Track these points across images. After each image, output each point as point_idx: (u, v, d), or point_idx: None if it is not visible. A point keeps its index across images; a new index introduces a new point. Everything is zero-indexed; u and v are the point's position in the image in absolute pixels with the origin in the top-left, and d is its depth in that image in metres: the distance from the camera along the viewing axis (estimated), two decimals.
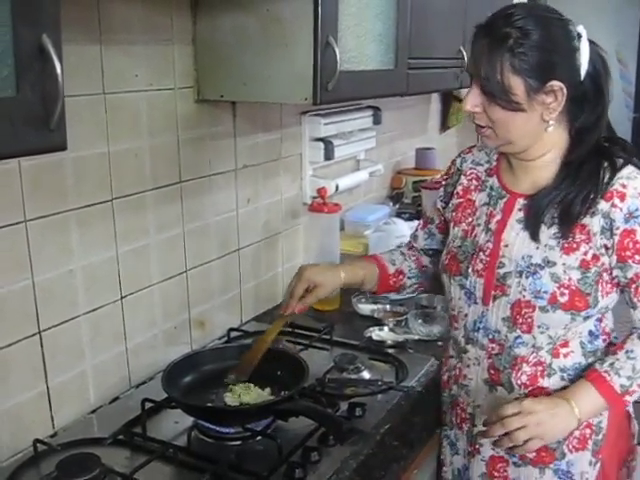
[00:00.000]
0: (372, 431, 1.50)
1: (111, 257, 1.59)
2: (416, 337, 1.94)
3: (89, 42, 1.46)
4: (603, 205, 1.30)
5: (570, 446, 1.40)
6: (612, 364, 1.33)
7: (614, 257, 1.31)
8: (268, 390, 1.56)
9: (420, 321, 2.00)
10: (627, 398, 1.33)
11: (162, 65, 1.66)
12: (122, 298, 1.64)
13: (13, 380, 1.39)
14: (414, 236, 1.73)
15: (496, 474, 1.47)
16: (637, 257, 1.30)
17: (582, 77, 1.30)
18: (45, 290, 1.43)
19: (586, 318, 1.35)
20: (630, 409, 1.47)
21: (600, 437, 1.41)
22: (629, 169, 1.32)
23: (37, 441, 1.39)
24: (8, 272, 1.36)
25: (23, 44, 0.83)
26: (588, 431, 1.40)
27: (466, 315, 1.46)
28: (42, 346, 1.44)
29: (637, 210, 1.28)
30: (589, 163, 1.34)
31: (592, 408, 1.34)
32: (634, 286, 1.33)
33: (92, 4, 1.44)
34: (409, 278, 1.68)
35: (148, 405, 1.52)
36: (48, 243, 1.43)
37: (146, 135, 1.64)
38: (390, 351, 1.87)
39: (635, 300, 1.34)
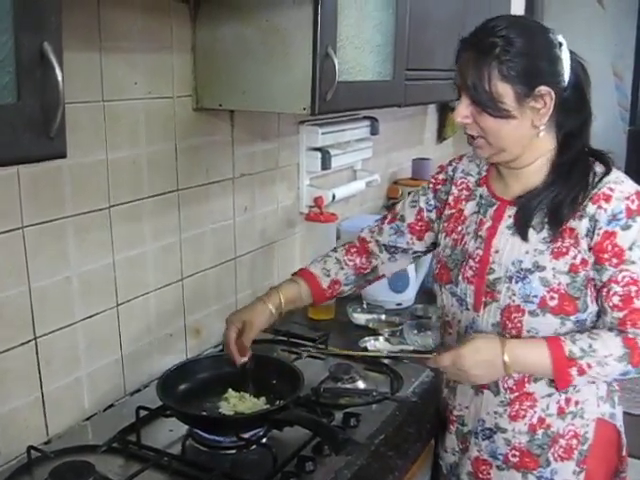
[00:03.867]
0: (367, 441, 1.50)
1: (108, 264, 1.59)
2: (411, 347, 1.95)
3: (89, 50, 1.46)
4: (590, 208, 1.31)
5: (556, 455, 1.41)
6: (572, 335, 1.33)
7: (592, 258, 1.32)
8: (263, 399, 1.56)
9: (415, 331, 2.00)
10: (572, 371, 1.31)
11: (161, 73, 1.67)
12: (118, 305, 1.64)
13: (7, 386, 1.39)
14: (378, 230, 1.67)
15: (480, 475, 1.49)
16: (614, 260, 1.30)
17: (565, 84, 1.33)
18: (41, 297, 1.43)
19: (577, 323, 1.35)
20: (620, 423, 1.48)
21: (586, 447, 1.41)
22: (616, 174, 1.35)
23: (31, 448, 1.39)
24: (4, 278, 1.36)
25: (24, 51, 0.83)
26: (575, 441, 1.41)
27: (459, 321, 1.47)
28: (37, 353, 1.44)
29: (621, 213, 1.29)
30: (579, 166, 1.36)
31: (532, 357, 1.34)
32: (606, 290, 1.32)
33: (92, 12, 1.45)
34: (346, 285, 1.67)
35: (143, 413, 1.52)
36: (45, 250, 1.43)
37: (144, 143, 1.64)
38: (385, 361, 1.87)
39: (606, 304, 1.33)
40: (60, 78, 0.86)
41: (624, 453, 1.49)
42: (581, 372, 1.31)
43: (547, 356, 1.31)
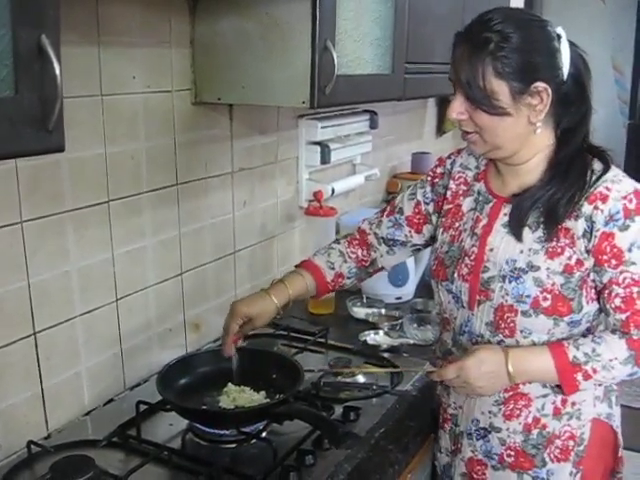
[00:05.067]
0: (367, 435, 1.50)
1: (107, 259, 1.59)
2: (411, 341, 1.95)
3: (87, 44, 1.46)
4: (586, 208, 1.29)
5: (552, 455, 1.39)
6: (576, 340, 1.32)
7: (591, 260, 1.30)
8: (263, 393, 1.56)
9: (415, 325, 2.01)
10: (577, 376, 1.29)
11: (160, 67, 1.66)
12: (117, 300, 1.64)
13: (7, 381, 1.39)
14: (377, 223, 1.66)
15: (475, 476, 1.47)
16: (613, 262, 1.28)
17: (565, 77, 1.29)
18: (40, 291, 1.43)
19: (570, 324, 1.34)
20: (617, 424, 1.46)
21: (582, 448, 1.40)
22: (614, 172, 1.32)
23: (31, 443, 1.39)
24: (4, 273, 1.36)
25: (22, 44, 0.83)
26: (571, 443, 1.39)
27: (455, 318, 1.46)
28: (37, 347, 1.44)
29: (618, 213, 1.26)
30: (576, 163, 1.33)
31: (536, 365, 1.32)
32: (607, 292, 1.30)
33: (91, 6, 1.45)
34: (348, 278, 1.66)
35: (143, 407, 1.52)
36: (44, 244, 1.43)
37: (143, 137, 1.64)
38: (385, 355, 1.87)
39: (608, 306, 1.31)
40: (58, 72, 0.85)
41: (620, 453, 1.47)
42: (587, 377, 1.29)
43: (551, 364, 1.30)
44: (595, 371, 1.29)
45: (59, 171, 1.44)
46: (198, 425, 1.48)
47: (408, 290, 2.32)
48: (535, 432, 1.39)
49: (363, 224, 1.70)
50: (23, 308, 1.41)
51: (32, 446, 1.39)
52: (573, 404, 1.39)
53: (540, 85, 1.26)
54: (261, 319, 1.53)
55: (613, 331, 1.32)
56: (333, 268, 1.63)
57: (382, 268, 1.71)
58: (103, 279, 1.59)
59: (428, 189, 1.60)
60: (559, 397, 1.38)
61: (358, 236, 1.69)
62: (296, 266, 1.67)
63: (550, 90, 1.27)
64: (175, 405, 1.48)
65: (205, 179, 1.87)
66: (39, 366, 1.45)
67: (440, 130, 3.59)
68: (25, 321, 1.41)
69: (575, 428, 1.39)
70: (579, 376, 1.30)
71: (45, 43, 0.84)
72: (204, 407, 1.52)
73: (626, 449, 1.53)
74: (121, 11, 1.52)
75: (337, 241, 1.71)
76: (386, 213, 1.66)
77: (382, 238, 1.65)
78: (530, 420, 1.39)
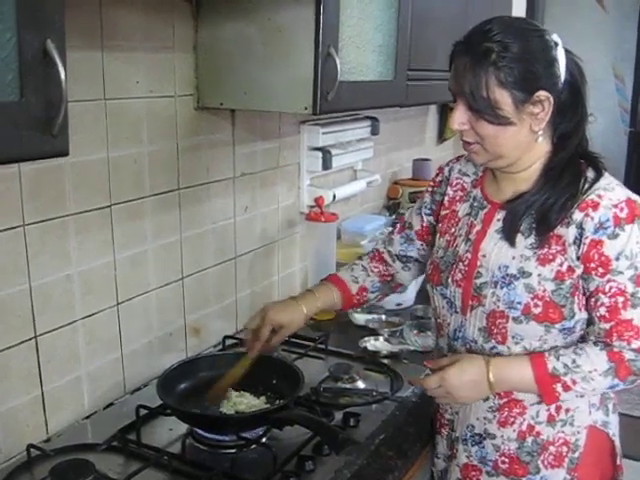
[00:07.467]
0: (366, 441, 1.50)
1: (108, 263, 1.59)
2: (411, 348, 1.95)
3: (91, 48, 1.46)
4: (577, 215, 1.28)
5: (545, 462, 1.39)
6: (557, 351, 1.31)
7: (581, 267, 1.29)
8: (263, 398, 1.57)
9: (415, 332, 2.01)
10: (557, 387, 1.29)
11: (163, 72, 1.67)
12: (118, 304, 1.64)
13: (8, 384, 1.39)
14: (389, 240, 1.69)
15: None
16: (600, 270, 1.28)
17: (562, 84, 1.30)
18: (42, 295, 1.43)
19: (563, 331, 1.33)
20: (613, 432, 1.45)
21: (576, 455, 1.39)
22: (607, 180, 1.32)
23: (31, 446, 1.39)
24: (5, 276, 1.36)
25: (27, 49, 0.84)
26: (565, 449, 1.39)
27: (449, 324, 1.46)
28: (38, 351, 1.44)
29: (608, 221, 1.26)
30: (570, 170, 1.33)
31: (517, 375, 1.33)
32: (593, 300, 1.30)
33: (95, 11, 1.45)
34: (372, 292, 1.68)
35: (143, 412, 1.52)
36: (46, 248, 1.43)
37: (145, 141, 1.64)
38: (385, 361, 1.88)
39: (593, 314, 1.31)
40: (63, 76, 0.86)
41: (619, 462, 1.47)
42: (566, 388, 1.29)
43: (531, 374, 1.31)
44: (574, 382, 1.29)
45: (62, 175, 1.44)
46: (198, 430, 1.48)
47: (408, 297, 2.32)
48: (529, 440, 1.39)
49: (377, 244, 1.74)
50: (24, 311, 1.41)
51: (32, 450, 1.39)
52: (567, 411, 1.38)
53: (542, 94, 1.27)
54: (290, 329, 1.56)
55: (596, 342, 1.31)
56: (357, 282, 1.66)
57: (401, 284, 1.74)
58: (104, 283, 1.59)
59: (428, 200, 1.61)
60: (553, 404, 1.37)
61: (376, 254, 1.72)
62: (322, 280, 1.70)
63: (552, 98, 1.28)
64: (175, 410, 1.48)
65: (207, 184, 1.87)
66: (40, 369, 1.45)
67: (441, 137, 3.61)
68: (26, 324, 1.41)
69: (569, 435, 1.39)
70: (558, 387, 1.30)
71: (50, 47, 0.85)
72: (204, 412, 1.51)
73: (625, 457, 1.52)
74: (125, 16, 1.53)
75: (360, 257, 1.75)
76: (397, 230, 1.69)
77: (396, 255, 1.67)
78: (524, 428, 1.39)
